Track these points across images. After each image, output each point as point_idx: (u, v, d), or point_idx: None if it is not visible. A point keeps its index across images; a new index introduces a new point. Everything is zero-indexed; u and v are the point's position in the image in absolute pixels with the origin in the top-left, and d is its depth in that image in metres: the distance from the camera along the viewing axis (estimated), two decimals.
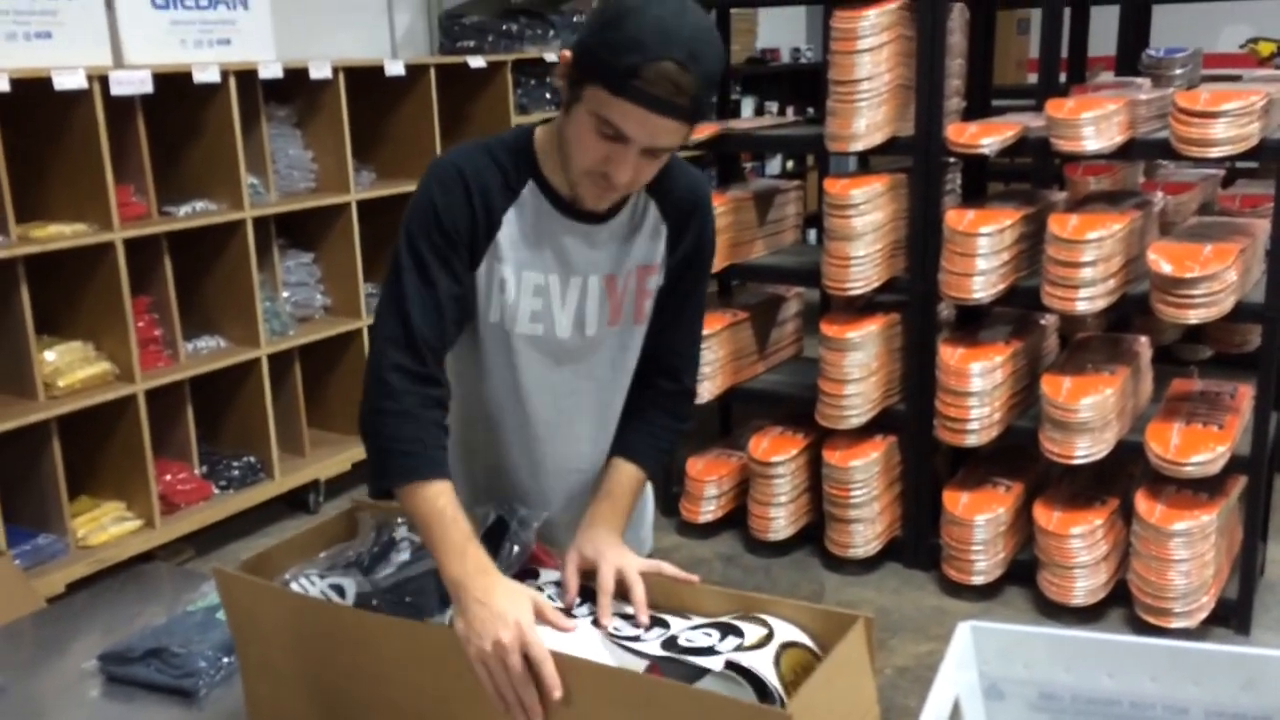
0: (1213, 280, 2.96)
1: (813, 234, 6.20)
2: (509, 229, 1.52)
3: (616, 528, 1.55)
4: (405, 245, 1.48)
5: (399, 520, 1.50)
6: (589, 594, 1.38)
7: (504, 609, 1.25)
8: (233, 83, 3.72)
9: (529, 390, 1.59)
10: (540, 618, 1.28)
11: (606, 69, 1.35)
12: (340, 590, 1.34)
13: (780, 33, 8.12)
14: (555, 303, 1.55)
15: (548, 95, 5.64)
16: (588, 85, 1.38)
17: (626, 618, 1.34)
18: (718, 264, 3.82)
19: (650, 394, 1.68)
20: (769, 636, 1.24)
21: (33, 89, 3.20)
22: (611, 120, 1.37)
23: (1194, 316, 3.02)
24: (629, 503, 1.62)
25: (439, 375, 1.48)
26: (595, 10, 1.42)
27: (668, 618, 1.32)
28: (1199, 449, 3.06)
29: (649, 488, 1.83)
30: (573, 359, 1.60)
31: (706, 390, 3.82)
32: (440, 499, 1.37)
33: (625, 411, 1.68)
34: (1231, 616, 3.25)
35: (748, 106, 7.22)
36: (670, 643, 1.25)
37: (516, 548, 1.40)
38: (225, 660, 1.61)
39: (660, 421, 1.68)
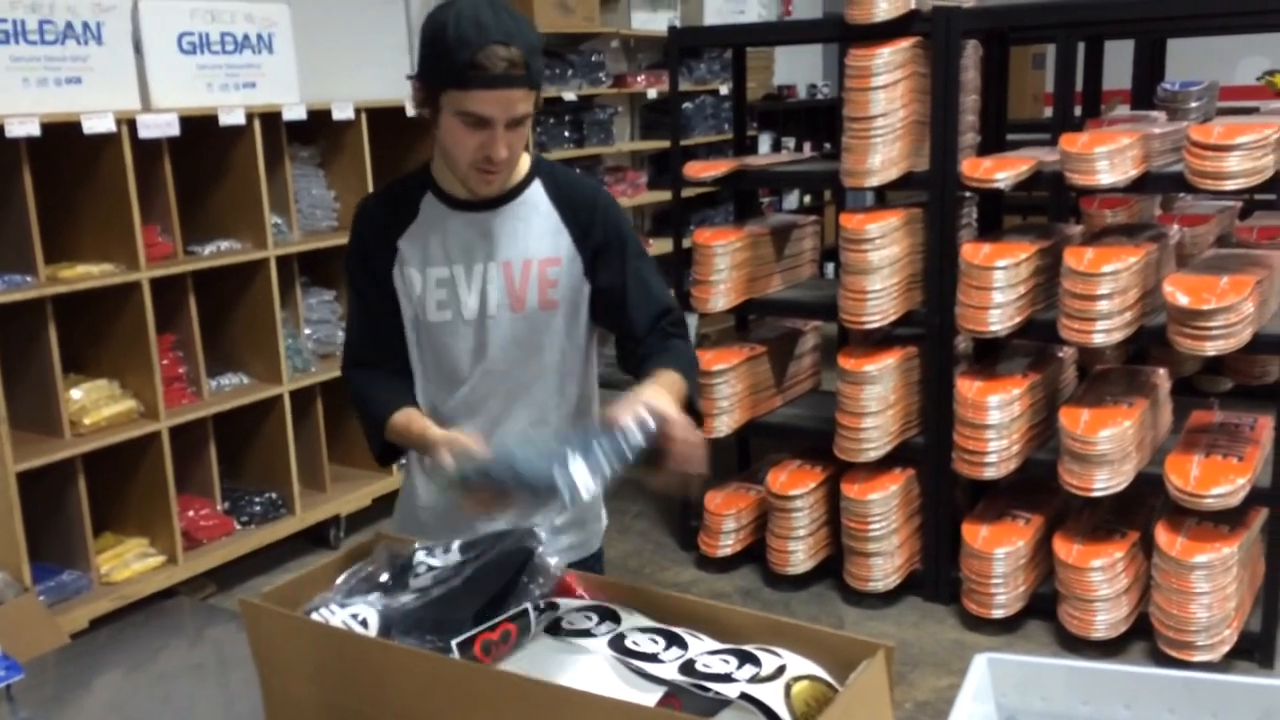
0: (1230, 312, 2.96)
1: (830, 268, 6.23)
2: (410, 240, 1.82)
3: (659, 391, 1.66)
4: (347, 280, 1.92)
5: (415, 547, 1.52)
6: (608, 614, 1.40)
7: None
8: (257, 124, 3.79)
9: (445, 374, 1.85)
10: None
11: (449, 73, 1.62)
12: (362, 620, 1.36)
13: (797, 69, 8.19)
14: (461, 289, 1.81)
15: (567, 134, 5.72)
16: (440, 95, 1.65)
17: (645, 631, 1.35)
18: (734, 299, 3.86)
19: (651, 339, 1.85)
20: (781, 669, 1.25)
21: (63, 133, 3.27)
22: (472, 111, 1.63)
23: (1211, 348, 3.02)
24: (670, 384, 1.71)
25: (383, 365, 1.87)
26: (421, 40, 1.68)
27: (687, 638, 1.33)
28: (1219, 481, 3.05)
29: None
30: (481, 343, 1.82)
31: (725, 424, 3.84)
32: (399, 419, 1.80)
33: (641, 364, 1.82)
34: (1255, 649, 3.23)
35: (765, 142, 7.28)
36: (688, 667, 1.26)
37: (535, 588, 1.41)
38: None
39: (673, 346, 1.83)
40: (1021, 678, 1.38)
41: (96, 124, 3.30)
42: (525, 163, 1.84)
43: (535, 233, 1.81)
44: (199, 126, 3.66)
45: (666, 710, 1.21)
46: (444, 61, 1.62)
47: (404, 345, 1.88)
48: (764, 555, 3.86)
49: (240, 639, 1.73)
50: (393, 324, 1.86)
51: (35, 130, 3.16)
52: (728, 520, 3.90)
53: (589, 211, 1.83)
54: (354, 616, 1.36)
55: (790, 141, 7.53)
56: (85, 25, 3.37)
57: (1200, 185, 3.04)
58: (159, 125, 3.49)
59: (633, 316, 1.86)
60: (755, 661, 1.26)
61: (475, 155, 1.68)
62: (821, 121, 7.79)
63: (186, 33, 3.69)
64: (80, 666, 1.93)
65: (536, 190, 1.83)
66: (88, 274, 3.42)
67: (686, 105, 6.51)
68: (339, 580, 1.49)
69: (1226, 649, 3.13)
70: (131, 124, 3.41)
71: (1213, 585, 3.08)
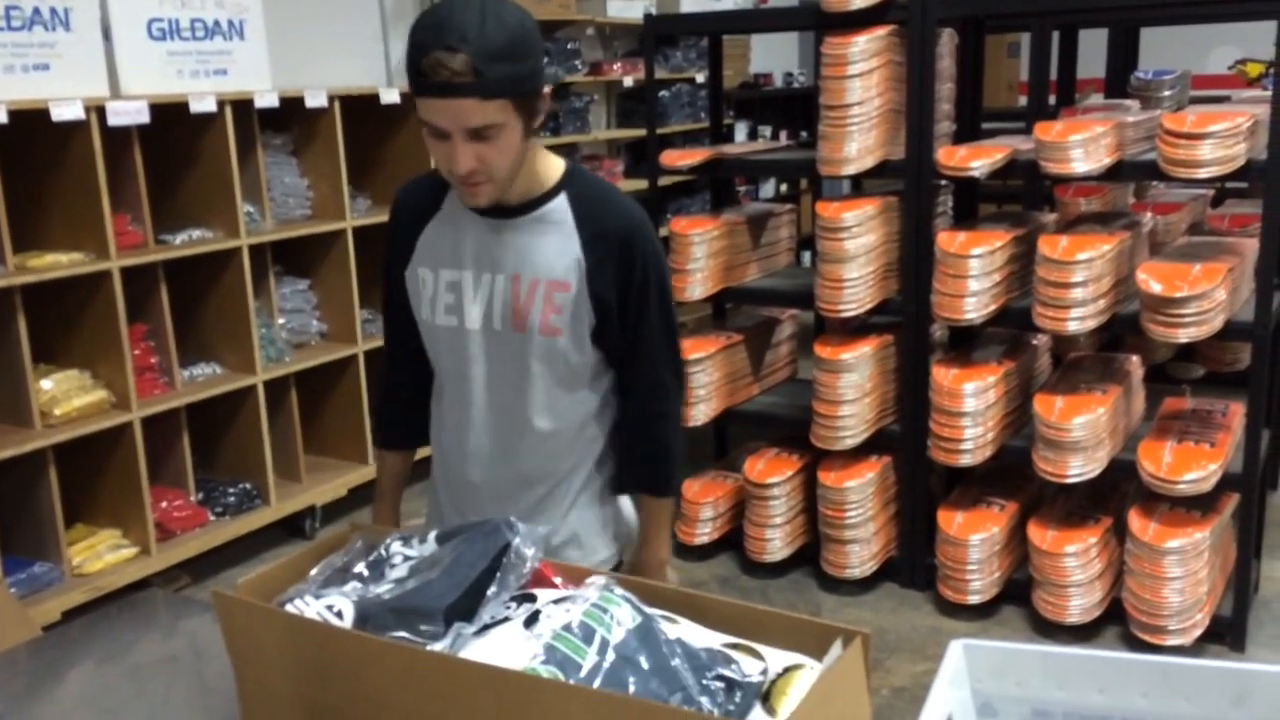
0: (1202, 299, 2.99)
1: (807, 256, 6.24)
2: (430, 235, 1.76)
3: (646, 560, 1.86)
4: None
5: (389, 538, 1.51)
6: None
7: None
8: (229, 112, 3.75)
9: (448, 378, 1.81)
10: None
11: (409, 78, 1.53)
12: (337, 612, 1.35)
13: (773, 58, 8.19)
14: (467, 296, 1.73)
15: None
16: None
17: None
18: (711, 288, 3.85)
19: (634, 426, 1.85)
20: (764, 672, 1.26)
21: (30, 120, 3.22)
22: (425, 119, 1.54)
23: (1183, 335, 3.04)
24: (646, 529, 1.88)
25: (410, 361, 1.87)
26: None
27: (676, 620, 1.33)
28: (1191, 467, 3.08)
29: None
30: (484, 354, 1.75)
31: (702, 412, 3.84)
32: (381, 463, 1.97)
33: (620, 463, 1.87)
34: (1226, 633, 3.26)
35: (741, 131, 7.27)
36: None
37: (512, 576, 1.41)
38: None
39: (633, 438, 1.85)
40: (997, 663, 1.39)
41: (65, 111, 3.26)
42: (556, 171, 1.71)
43: (549, 252, 1.68)
44: (169, 114, 3.62)
45: (650, 702, 1.21)
46: (407, 66, 1.54)
47: (415, 345, 1.85)
48: (741, 543, 3.86)
49: (215, 631, 1.72)
50: (403, 322, 1.83)
51: (2, 117, 3.11)
52: (705, 508, 3.90)
53: (615, 247, 1.69)
54: (329, 608, 1.35)
55: (766, 130, 7.53)
56: (53, 11, 3.32)
57: (1173, 173, 3.06)
58: (129, 112, 3.44)
59: (626, 379, 1.81)
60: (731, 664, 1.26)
61: (445, 166, 1.59)
62: (798, 110, 7.79)
63: (156, 19, 3.64)
64: (52, 659, 1.91)
65: (561, 206, 1.69)
66: (57, 263, 3.38)
67: (663, 93, 6.49)
68: (314, 571, 1.47)
69: (1199, 633, 3.17)
70: (101, 111, 3.37)
71: (1185, 570, 3.11)
